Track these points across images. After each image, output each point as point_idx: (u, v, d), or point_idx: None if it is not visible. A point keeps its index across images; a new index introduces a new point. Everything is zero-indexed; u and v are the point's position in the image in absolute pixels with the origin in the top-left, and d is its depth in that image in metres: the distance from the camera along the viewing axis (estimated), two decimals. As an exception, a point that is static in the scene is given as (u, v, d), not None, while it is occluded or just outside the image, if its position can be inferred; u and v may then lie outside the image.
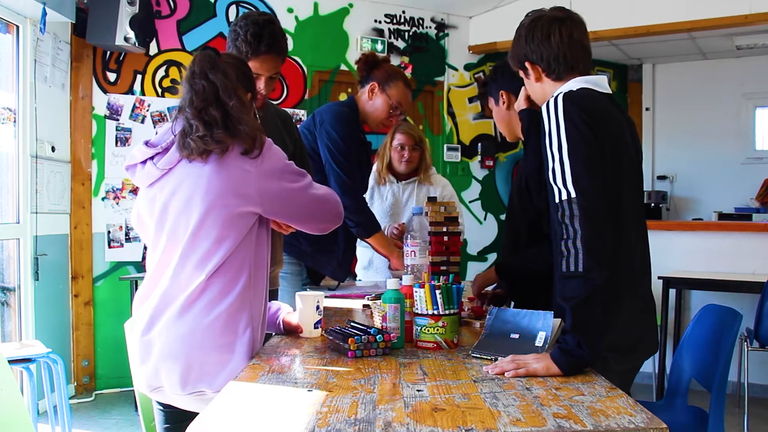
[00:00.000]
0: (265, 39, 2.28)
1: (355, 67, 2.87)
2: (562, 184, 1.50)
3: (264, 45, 2.27)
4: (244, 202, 1.62)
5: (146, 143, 1.69)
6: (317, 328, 1.85)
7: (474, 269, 4.01)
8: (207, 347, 1.61)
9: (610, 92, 1.72)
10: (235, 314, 1.62)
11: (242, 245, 1.64)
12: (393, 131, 3.43)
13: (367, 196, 3.40)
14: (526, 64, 1.76)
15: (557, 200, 1.51)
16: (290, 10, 5.11)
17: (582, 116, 1.52)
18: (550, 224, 1.76)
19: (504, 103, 2.21)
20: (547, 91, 1.75)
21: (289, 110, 5.09)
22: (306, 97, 5.21)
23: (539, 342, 1.56)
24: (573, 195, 1.47)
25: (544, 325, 1.60)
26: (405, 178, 3.42)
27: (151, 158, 1.66)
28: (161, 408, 1.76)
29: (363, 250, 3.43)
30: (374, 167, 3.48)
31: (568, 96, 1.57)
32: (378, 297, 2.07)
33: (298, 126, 2.71)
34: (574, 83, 1.67)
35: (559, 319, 1.64)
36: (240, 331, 1.63)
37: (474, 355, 1.59)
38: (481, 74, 5.98)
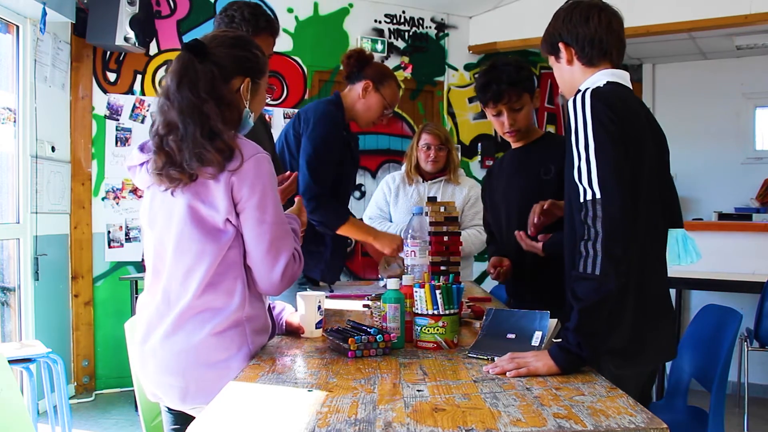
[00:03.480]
0: (262, 16, 2.33)
1: (343, 63, 2.73)
2: (588, 184, 1.46)
3: (263, 21, 2.32)
4: (215, 212, 1.58)
5: (141, 148, 1.68)
6: (318, 328, 1.85)
7: (477, 269, 4.01)
8: (202, 365, 1.59)
9: (632, 88, 1.69)
10: (228, 332, 1.60)
11: (230, 263, 1.60)
12: (419, 132, 3.48)
13: (392, 194, 3.44)
14: (560, 45, 1.71)
15: (581, 200, 1.48)
16: (290, 10, 5.11)
17: (610, 115, 1.49)
18: (565, 221, 1.74)
19: (536, 98, 2.33)
20: (575, 77, 1.71)
21: (289, 110, 5.10)
22: (306, 97, 5.21)
23: (535, 341, 1.57)
24: (598, 196, 1.44)
25: (540, 324, 1.61)
26: (431, 177, 3.44)
27: (146, 162, 1.66)
28: (168, 410, 1.76)
29: None
30: (402, 168, 3.51)
31: (597, 93, 1.52)
32: (378, 297, 2.07)
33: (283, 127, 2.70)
34: (603, 76, 1.64)
35: (556, 320, 1.64)
36: (234, 348, 1.60)
37: (471, 355, 1.59)
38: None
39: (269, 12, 2.37)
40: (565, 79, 1.76)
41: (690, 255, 1.68)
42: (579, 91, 1.59)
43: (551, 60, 1.78)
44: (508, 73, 2.29)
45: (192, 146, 1.54)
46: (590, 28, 1.66)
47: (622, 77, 1.66)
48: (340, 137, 2.62)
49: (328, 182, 2.57)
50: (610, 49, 1.67)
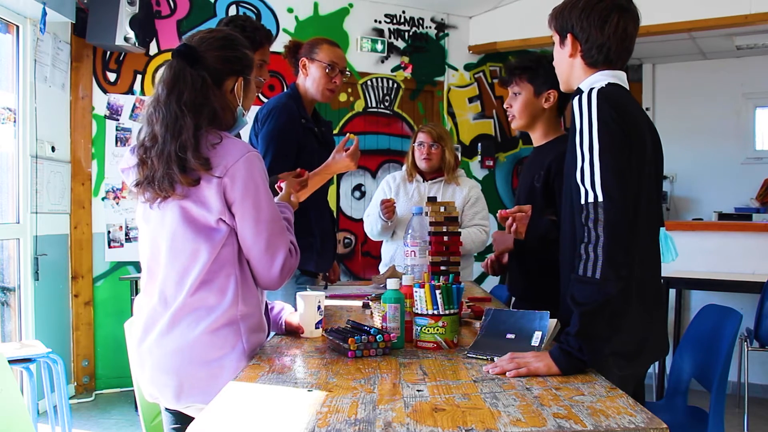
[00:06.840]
0: (263, 29, 2.48)
1: (288, 61, 2.82)
2: (591, 185, 1.46)
3: (264, 35, 2.46)
4: (207, 212, 1.58)
5: (133, 150, 1.69)
6: (318, 328, 1.85)
7: (477, 269, 4.01)
8: (196, 363, 1.59)
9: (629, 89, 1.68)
10: (222, 330, 1.60)
11: (224, 260, 1.61)
12: (417, 130, 3.49)
13: (392, 193, 3.47)
14: (569, 36, 1.67)
15: (583, 201, 1.47)
16: (290, 10, 5.11)
17: (616, 117, 1.48)
18: (561, 223, 1.74)
19: (546, 101, 2.22)
20: (574, 72, 1.70)
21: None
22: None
23: (535, 341, 1.57)
24: (600, 199, 1.44)
25: (540, 325, 1.61)
26: (431, 177, 3.45)
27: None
28: (167, 410, 1.76)
29: (386, 247, 3.47)
30: (404, 167, 3.54)
31: (603, 94, 1.51)
32: (378, 297, 2.07)
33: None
34: (603, 77, 1.63)
35: (555, 320, 1.64)
36: (228, 347, 1.60)
37: (470, 355, 1.59)
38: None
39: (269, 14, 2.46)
40: (562, 67, 1.74)
41: (670, 253, 1.68)
42: (581, 90, 1.59)
43: (555, 40, 1.74)
44: (523, 59, 2.32)
45: (165, 166, 1.55)
46: (604, 35, 1.63)
47: (621, 78, 1.66)
48: (296, 127, 2.62)
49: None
50: (616, 59, 1.66)
